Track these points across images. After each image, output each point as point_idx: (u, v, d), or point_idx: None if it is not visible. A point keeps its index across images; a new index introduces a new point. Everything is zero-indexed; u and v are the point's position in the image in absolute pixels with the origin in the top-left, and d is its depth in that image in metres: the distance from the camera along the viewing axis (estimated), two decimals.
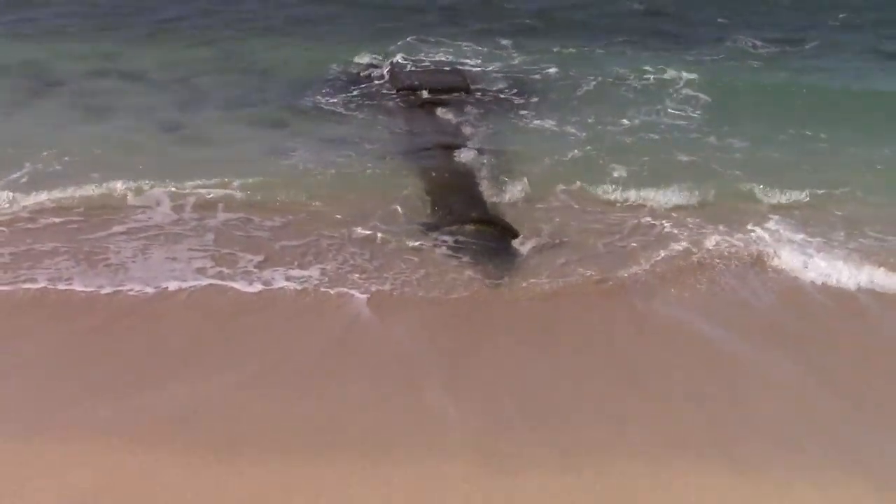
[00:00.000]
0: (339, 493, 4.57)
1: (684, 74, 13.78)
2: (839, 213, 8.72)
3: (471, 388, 5.60)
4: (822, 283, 7.31)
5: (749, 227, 8.28)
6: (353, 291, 6.84)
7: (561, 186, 9.19)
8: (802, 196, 9.00)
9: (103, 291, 6.64)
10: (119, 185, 8.64)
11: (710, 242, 7.87)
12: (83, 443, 4.88)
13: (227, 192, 8.69)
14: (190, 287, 6.78)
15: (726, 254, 7.74)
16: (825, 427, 5.39)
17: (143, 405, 5.28)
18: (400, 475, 4.71)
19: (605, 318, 6.65)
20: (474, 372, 5.79)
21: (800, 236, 8.10)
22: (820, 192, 9.13)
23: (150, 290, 6.69)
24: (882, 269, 7.42)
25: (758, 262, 7.63)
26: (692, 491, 4.68)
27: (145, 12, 20.05)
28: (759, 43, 17.02)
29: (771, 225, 8.34)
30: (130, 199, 8.45)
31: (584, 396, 5.54)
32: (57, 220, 8.00)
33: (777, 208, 8.78)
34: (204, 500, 4.50)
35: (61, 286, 6.69)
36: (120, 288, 6.70)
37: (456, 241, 7.72)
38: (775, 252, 7.72)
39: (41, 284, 6.67)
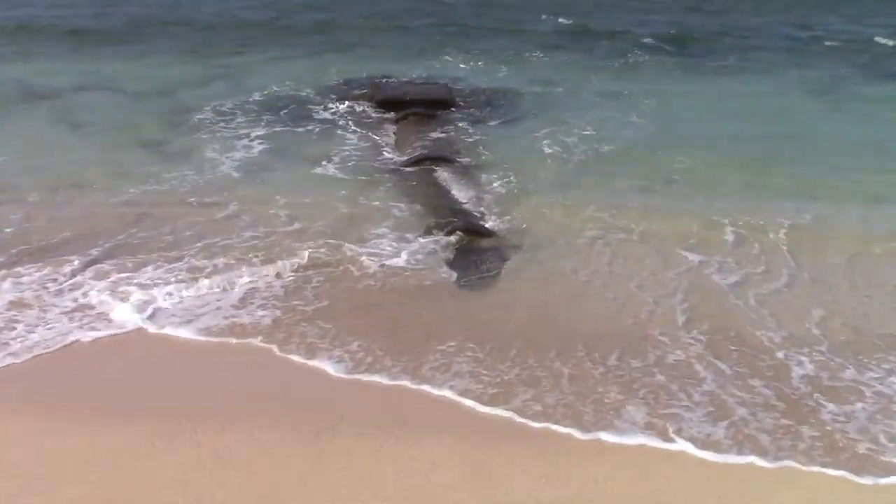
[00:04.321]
0: (328, 502, 4.54)
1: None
2: None
3: (458, 394, 5.56)
4: None
5: None
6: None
7: (542, 195, 9.36)
8: None
9: None
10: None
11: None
12: None
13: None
14: None
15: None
16: None
17: None
18: (389, 484, 4.68)
19: (585, 317, 6.67)
20: (462, 379, 5.75)
21: None
22: None
23: None
24: None
25: None
26: (680, 498, 4.68)
27: (128, 27, 20.18)
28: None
29: None
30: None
31: (569, 399, 5.51)
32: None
33: None
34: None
35: None
36: None
37: (441, 251, 7.76)
38: None
39: None
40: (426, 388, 5.65)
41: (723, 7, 23.71)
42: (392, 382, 5.70)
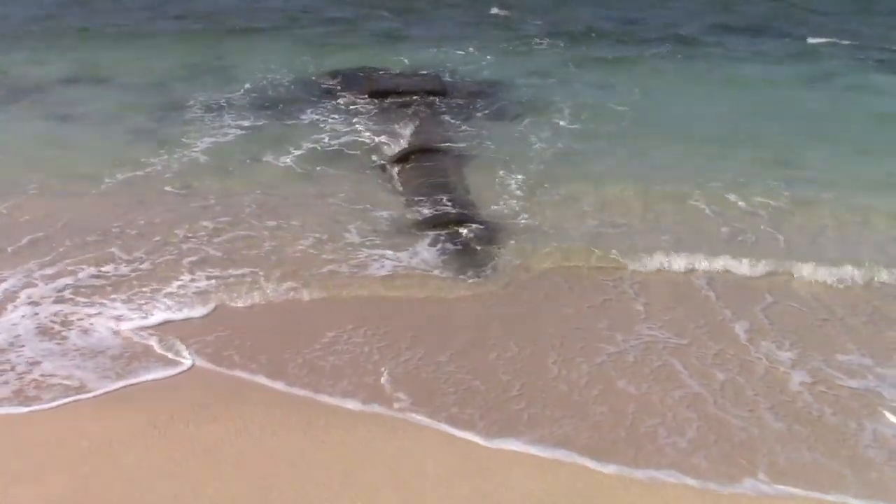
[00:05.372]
0: (321, 493, 4.56)
1: None
2: None
3: (451, 387, 5.61)
4: None
5: None
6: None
7: (536, 186, 9.39)
8: None
9: None
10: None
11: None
12: None
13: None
14: None
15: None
16: None
17: None
18: (381, 475, 4.70)
19: (580, 311, 6.73)
20: (451, 372, 5.79)
21: None
22: None
23: None
24: None
25: None
26: (668, 494, 4.72)
27: (117, 17, 19.98)
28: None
29: None
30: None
31: (560, 393, 5.56)
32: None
33: None
34: None
35: None
36: None
37: (432, 241, 7.81)
38: None
39: None
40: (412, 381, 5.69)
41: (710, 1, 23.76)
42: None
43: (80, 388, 5.50)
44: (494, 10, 21.65)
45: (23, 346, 5.99)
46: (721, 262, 7.55)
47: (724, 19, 21.03)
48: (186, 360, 5.87)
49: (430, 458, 4.86)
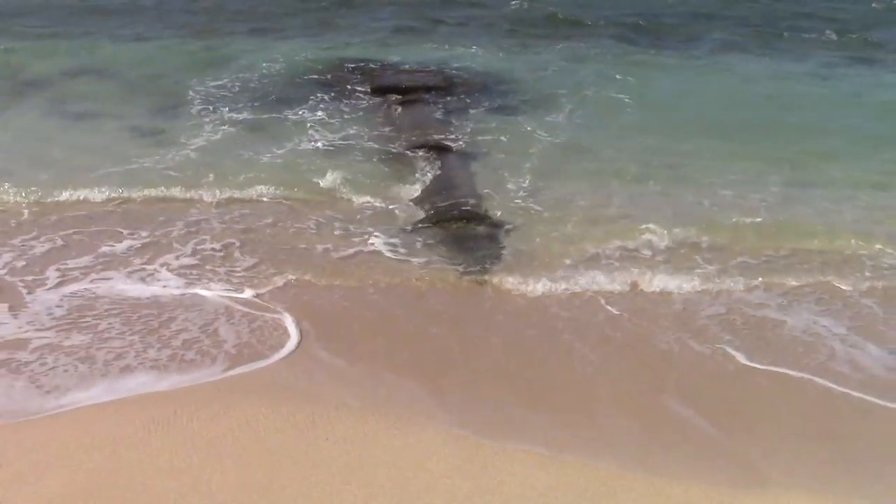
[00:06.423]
0: (324, 489, 4.56)
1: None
2: None
3: (453, 384, 5.63)
4: None
5: None
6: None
7: (540, 182, 9.38)
8: None
9: None
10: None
11: None
12: None
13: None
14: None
15: None
16: None
17: None
18: (384, 472, 4.70)
19: (585, 310, 6.73)
20: (457, 368, 5.81)
21: None
22: None
23: None
24: None
25: None
26: (671, 495, 4.72)
27: (123, 11, 19.95)
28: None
29: None
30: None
31: (567, 392, 5.57)
32: None
33: None
34: None
35: None
36: None
37: (437, 238, 7.83)
38: None
39: None
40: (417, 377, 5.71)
41: None
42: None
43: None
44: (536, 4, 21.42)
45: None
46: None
47: (728, 15, 20.95)
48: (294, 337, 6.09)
49: (432, 456, 4.85)
